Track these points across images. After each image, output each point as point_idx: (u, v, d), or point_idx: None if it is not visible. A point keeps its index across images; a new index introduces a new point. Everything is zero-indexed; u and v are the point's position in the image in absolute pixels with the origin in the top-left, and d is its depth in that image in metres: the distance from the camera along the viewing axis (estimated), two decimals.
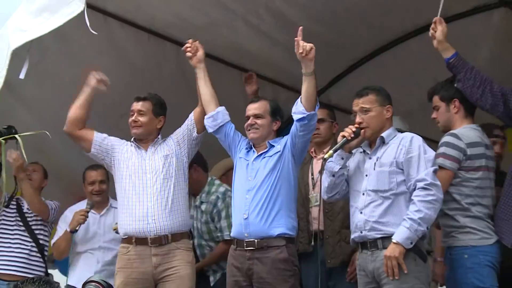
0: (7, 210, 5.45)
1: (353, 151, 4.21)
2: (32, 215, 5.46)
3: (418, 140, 4.05)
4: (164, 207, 4.53)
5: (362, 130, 4.09)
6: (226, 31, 5.37)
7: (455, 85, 4.27)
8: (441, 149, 4.13)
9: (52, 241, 5.42)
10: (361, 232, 4.02)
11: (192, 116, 4.73)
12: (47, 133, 4.30)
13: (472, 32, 5.58)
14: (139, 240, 4.53)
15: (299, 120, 4.22)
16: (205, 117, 4.55)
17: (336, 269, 4.74)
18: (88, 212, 5.26)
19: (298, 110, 4.21)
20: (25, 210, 5.46)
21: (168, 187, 4.57)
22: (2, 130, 5.09)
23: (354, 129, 4.07)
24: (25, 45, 4.40)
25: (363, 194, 4.07)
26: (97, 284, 2.94)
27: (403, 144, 4.03)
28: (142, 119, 4.65)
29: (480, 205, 4.13)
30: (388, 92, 4.20)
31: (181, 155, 4.69)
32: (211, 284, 5.11)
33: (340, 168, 4.14)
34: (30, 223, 5.45)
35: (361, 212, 4.04)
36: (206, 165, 5.29)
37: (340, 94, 6.23)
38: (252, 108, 4.46)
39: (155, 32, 5.31)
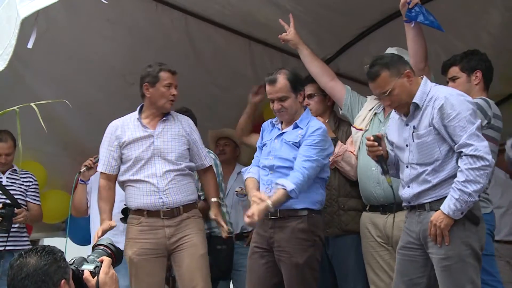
0: None
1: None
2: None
3: (451, 96, 3.70)
4: (176, 181, 4.52)
5: (394, 110, 3.86)
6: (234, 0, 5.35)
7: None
8: None
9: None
10: (409, 203, 3.82)
11: (201, 169, 4.73)
12: (67, 102, 4.30)
13: None
14: (151, 213, 4.52)
15: None
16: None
17: (334, 238, 4.76)
18: None
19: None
20: (4, 183, 5.33)
21: (177, 163, 4.53)
22: None
23: (369, 143, 3.87)
24: (33, 14, 4.40)
25: (407, 167, 3.80)
26: (106, 248, 2.94)
27: (435, 106, 3.67)
28: (175, 92, 4.57)
29: None
30: (398, 56, 3.93)
31: (188, 141, 4.63)
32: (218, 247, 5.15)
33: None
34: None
35: (408, 186, 3.80)
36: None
37: (349, 63, 6.19)
38: (274, 92, 4.30)
39: (163, 0, 5.29)
